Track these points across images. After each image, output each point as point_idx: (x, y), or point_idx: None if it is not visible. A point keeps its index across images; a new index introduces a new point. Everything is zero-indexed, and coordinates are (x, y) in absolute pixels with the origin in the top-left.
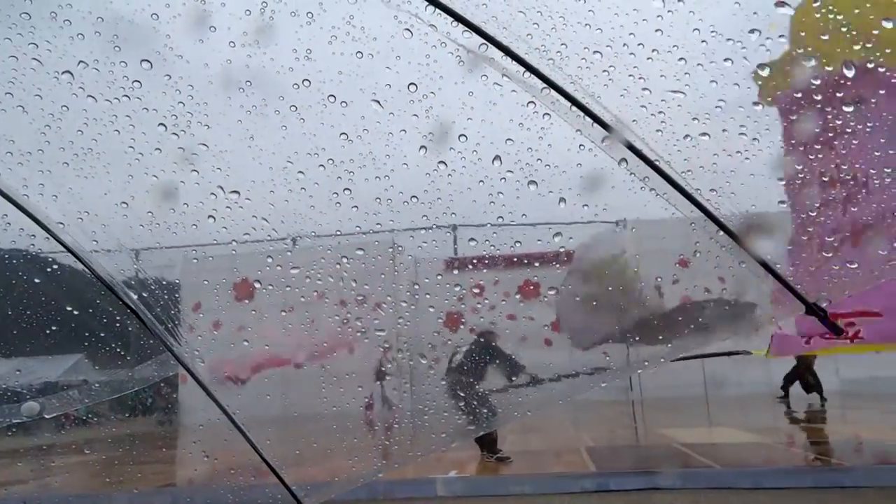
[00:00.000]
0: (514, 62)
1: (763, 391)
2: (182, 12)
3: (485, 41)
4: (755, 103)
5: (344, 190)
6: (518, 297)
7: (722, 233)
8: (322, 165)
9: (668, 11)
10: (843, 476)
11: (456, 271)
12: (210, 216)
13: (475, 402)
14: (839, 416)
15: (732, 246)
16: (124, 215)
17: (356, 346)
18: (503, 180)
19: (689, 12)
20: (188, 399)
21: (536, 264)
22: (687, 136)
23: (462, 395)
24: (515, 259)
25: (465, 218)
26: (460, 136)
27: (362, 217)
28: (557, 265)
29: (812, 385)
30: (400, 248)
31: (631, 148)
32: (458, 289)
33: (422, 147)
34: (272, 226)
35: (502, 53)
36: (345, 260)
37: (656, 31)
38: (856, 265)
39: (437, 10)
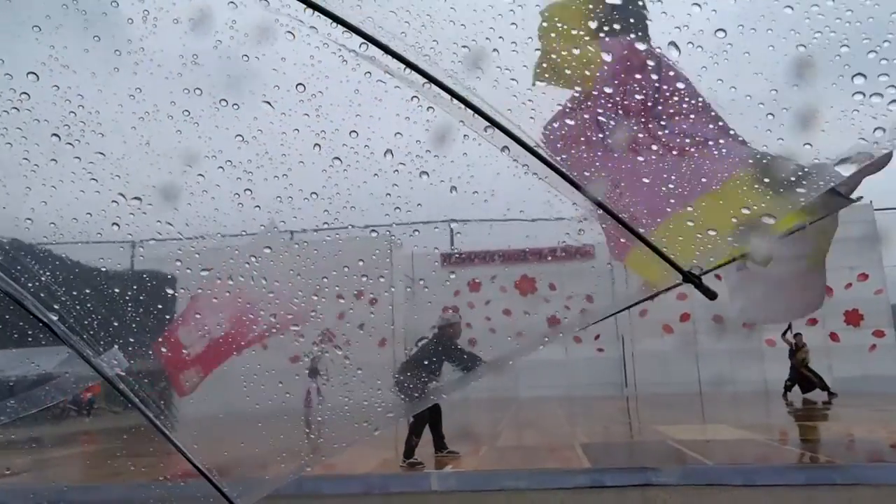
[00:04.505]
0: (394, 59)
1: (757, 389)
2: (64, 23)
3: (364, 41)
4: None
5: (245, 190)
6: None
7: (601, 210)
8: (221, 167)
9: (518, 6)
10: (833, 473)
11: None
12: (114, 223)
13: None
14: (831, 413)
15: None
16: (26, 228)
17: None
18: (396, 172)
19: (535, 6)
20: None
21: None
22: (555, 121)
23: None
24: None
25: (364, 213)
26: (351, 132)
27: (265, 216)
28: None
29: (812, 382)
30: (306, 244)
31: (510, 136)
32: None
33: (315, 145)
34: (177, 229)
35: (382, 52)
36: (253, 259)
37: (511, 24)
38: (715, 233)
39: (316, 13)
